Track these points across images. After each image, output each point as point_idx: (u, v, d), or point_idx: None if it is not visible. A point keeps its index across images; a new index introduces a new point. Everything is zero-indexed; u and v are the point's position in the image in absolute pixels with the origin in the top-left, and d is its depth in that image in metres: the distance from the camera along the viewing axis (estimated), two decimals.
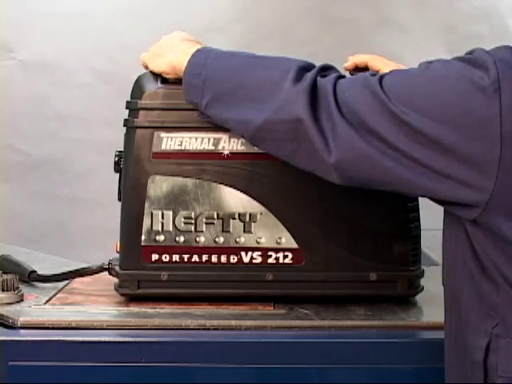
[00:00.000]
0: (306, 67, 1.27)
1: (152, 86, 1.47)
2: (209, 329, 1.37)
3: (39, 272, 1.60)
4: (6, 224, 2.71)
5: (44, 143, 2.81)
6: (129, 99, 1.49)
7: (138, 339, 1.35)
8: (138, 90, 1.48)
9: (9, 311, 1.41)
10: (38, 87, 2.79)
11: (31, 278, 1.59)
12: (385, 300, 1.49)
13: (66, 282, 1.60)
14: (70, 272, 1.58)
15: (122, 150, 1.51)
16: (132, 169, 1.46)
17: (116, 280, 1.50)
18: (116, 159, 1.51)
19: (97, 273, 1.55)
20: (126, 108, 1.48)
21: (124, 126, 1.49)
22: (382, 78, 1.18)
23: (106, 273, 1.53)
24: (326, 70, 1.26)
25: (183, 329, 1.38)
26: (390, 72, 1.20)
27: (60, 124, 2.81)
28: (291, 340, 1.37)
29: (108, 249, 1.53)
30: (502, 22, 2.78)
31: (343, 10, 2.77)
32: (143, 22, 2.76)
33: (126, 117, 1.49)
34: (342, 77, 1.24)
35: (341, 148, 1.18)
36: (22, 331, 1.37)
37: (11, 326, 1.38)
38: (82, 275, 1.57)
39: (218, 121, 1.35)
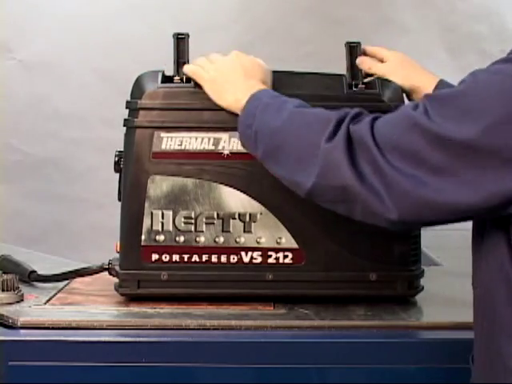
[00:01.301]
0: (342, 119, 1.19)
1: (152, 86, 1.47)
2: (209, 329, 1.37)
3: (39, 272, 1.60)
4: (6, 224, 2.71)
5: (44, 143, 2.81)
6: (129, 99, 1.49)
7: (137, 339, 1.35)
8: (137, 89, 1.48)
9: (9, 311, 1.41)
10: (37, 87, 2.79)
11: (31, 278, 1.59)
12: (385, 300, 1.49)
13: (66, 281, 1.60)
14: (70, 272, 1.58)
15: (121, 149, 1.51)
16: (132, 169, 1.46)
17: (116, 280, 1.50)
18: (116, 159, 1.51)
19: (97, 273, 1.55)
20: (126, 108, 1.48)
21: (124, 125, 1.48)
22: (426, 108, 1.09)
23: (106, 273, 1.53)
24: (358, 116, 1.19)
25: (183, 329, 1.38)
26: (432, 97, 1.12)
27: (60, 124, 2.81)
28: (291, 340, 1.36)
29: (108, 249, 1.53)
30: (502, 21, 2.78)
31: (343, 10, 2.77)
32: (143, 21, 2.76)
33: (126, 117, 1.49)
34: (376, 118, 1.16)
35: (400, 203, 1.11)
36: (22, 331, 1.37)
37: (11, 326, 1.38)
38: (82, 275, 1.57)
39: (275, 175, 1.29)
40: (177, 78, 1.48)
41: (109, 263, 1.52)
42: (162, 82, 1.47)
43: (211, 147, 1.45)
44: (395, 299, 1.49)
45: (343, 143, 1.15)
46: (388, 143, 1.13)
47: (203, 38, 2.63)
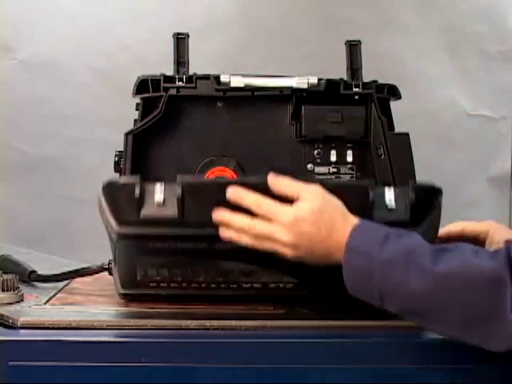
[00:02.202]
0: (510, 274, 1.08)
1: (132, 215, 1.34)
2: (209, 329, 1.37)
3: (39, 272, 1.60)
4: (6, 224, 2.71)
5: (44, 143, 2.81)
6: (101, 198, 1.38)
7: (137, 339, 1.35)
8: (112, 207, 1.35)
9: (9, 311, 1.41)
10: (38, 87, 2.79)
11: (31, 278, 1.59)
12: None
13: (66, 282, 1.60)
14: (70, 272, 1.58)
15: (121, 149, 1.51)
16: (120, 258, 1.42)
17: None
18: (116, 159, 1.51)
19: (97, 273, 1.55)
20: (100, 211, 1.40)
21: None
22: None
23: (106, 273, 1.53)
24: None
25: (183, 329, 1.37)
26: None
27: (60, 124, 2.80)
28: (291, 340, 1.36)
29: (108, 249, 1.53)
30: (502, 21, 2.77)
31: (343, 10, 2.76)
32: (143, 21, 2.76)
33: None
34: None
35: None
36: (21, 331, 1.37)
37: (11, 326, 1.37)
38: (82, 275, 1.57)
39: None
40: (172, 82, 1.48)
41: (109, 263, 1.52)
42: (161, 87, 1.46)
43: (204, 245, 1.38)
44: None
45: None
46: None
47: (203, 37, 2.64)
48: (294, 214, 1.24)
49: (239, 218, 1.27)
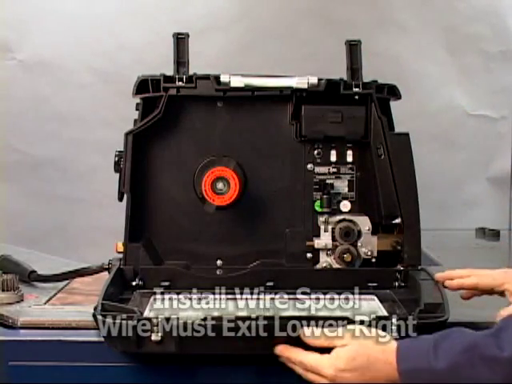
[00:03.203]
0: None
1: None
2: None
3: (39, 272, 1.60)
4: (6, 224, 2.71)
5: (44, 143, 2.81)
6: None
7: None
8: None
9: (9, 311, 1.41)
10: (37, 87, 2.79)
11: (31, 278, 1.59)
12: None
13: (66, 281, 1.60)
14: (70, 272, 1.58)
15: (121, 149, 1.51)
16: None
17: None
18: (116, 159, 1.51)
19: (97, 273, 1.56)
20: None
21: None
22: None
23: (106, 273, 1.53)
24: None
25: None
26: None
27: (60, 124, 2.80)
28: None
29: (108, 249, 1.53)
30: (502, 21, 2.77)
31: (343, 10, 2.76)
32: (143, 22, 2.76)
33: None
34: None
35: None
36: (21, 331, 1.37)
37: (11, 326, 1.38)
38: (82, 275, 1.58)
39: None
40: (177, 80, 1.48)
41: (109, 263, 1.53)
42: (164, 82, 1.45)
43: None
44: None
45: None
46: None
47: (203, 38, 2.63)
48: (334, 367, 1.24)
49: (295, 369, 1.29)
